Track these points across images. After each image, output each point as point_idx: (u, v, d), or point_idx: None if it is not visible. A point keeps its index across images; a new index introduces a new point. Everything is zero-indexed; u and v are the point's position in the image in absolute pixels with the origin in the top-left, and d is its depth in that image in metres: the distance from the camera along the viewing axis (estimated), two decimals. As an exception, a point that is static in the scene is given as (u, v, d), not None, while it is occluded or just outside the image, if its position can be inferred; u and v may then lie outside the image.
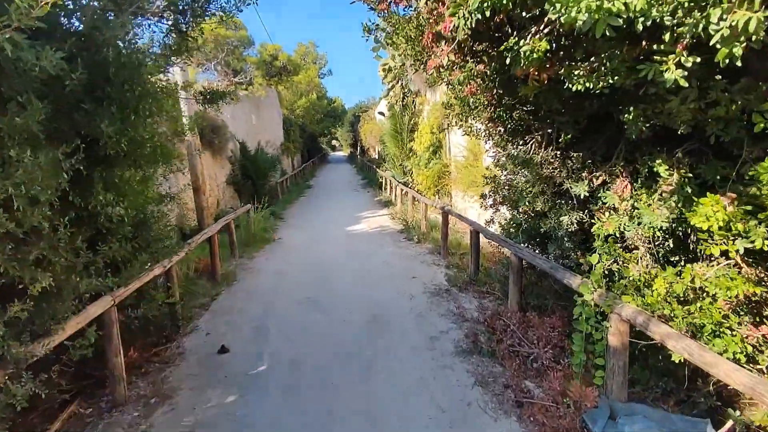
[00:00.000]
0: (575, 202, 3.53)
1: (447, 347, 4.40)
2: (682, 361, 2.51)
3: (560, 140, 3.13)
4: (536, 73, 2.35)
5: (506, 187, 4.57)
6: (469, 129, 4.29)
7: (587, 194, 3.22)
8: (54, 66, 1.82)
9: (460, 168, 11.40)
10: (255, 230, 9.97)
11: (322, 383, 3.88)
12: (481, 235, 6.13)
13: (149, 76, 2.99)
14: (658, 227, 2.64)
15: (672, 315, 2.59)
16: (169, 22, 3.36)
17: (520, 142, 3.87)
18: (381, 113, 21.50)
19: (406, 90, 17.02)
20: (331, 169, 36.59)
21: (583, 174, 3.27)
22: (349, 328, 5.02)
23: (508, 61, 2.23)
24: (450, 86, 3.75)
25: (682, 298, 2.63)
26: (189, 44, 3.61)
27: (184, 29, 3.43)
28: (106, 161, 3.25)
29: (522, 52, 2.10)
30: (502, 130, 3.88)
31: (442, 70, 2.38)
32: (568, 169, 3.38)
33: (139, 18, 2.92)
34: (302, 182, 23.78)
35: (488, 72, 2.58)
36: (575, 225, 3.51)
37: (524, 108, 3.48)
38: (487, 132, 4.14)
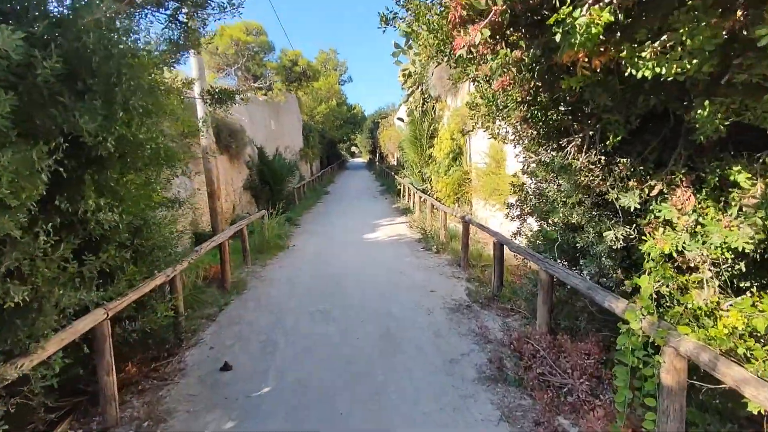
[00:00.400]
0: (620, 214, 3.09)
1: (468, 372, 3.98)
2: (763, 413, 2.06)
3: (606, 143, 2.71)
4: (586, 59, 1.95)
5: (536, 197, 4.14)
6: (496, 132, 3.89)
7: (637, 206, 2.78)
8: (15, 50, 1.52)
9: (481, 175, 10.96)
10: (269, 236, 9.72)
11: (328, 410, 3.51)
12: (505, 247, 5.69)
13: (146, 71, 2.71)
14: (733, 248, 2.20)
15: (749, 355, 2.15)
16: (168, 12, 3.10)
17: (554, 146, 3.46)
18: (400, 119, 21.19)
19: (425, 95, 16.69)
20: (350, 175, 36.44)
21: (631, 183, 2.84)
22: (361, 344, 4.65)
23: (557, 38, 1.83)
24: (476, 83, 3.38)
25: (759, 335, 2.18)
26: (193, 38, 3.33)
27: (185, 20, 3.16)
28: (97, 162, 2.97)
29: (576, 26, 1.71)
30: (534, 132, 3.47)
31: (472, 49, 2.03)
32: (614, 176, 2.95)
33: (134, 5, 2.65)
34: (320, 188, 23.61)
35: (526, 60, 2.21)
36: (621, 242, 3.07)
37: (563, 106, 3.07)
38: (517, 135, 3.73)
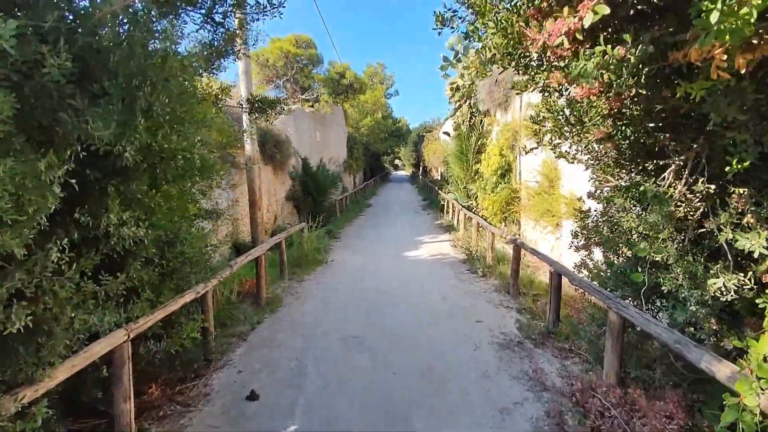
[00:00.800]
0: (729, 257, 2.49)
1: (523, 428, 3.43)
2: None
3: (725, 169, 2.15)
4: (724, 56, 1.45)
5: (607, 226, 3.57)
6: (563, 151, 3.37)
7: (764, 251, 2.18)
8: (8, 42, 1.25)
9: (532, 194, 10.29)
10: (308, 250, 9.50)
11: (360, 461, 3.09)
12: (563, 278, 5.08)
13: (175, 74, 2.45)
14: None
15: None
16: (202, 11, 2.86)
17: (639, 170, 2.90)
18: (446, 133, 20.72)
19: (474, 110, 16.18)
20: (393, 188, 36.21)
21: (749, 219, 2.25)
22: (397, 381, 4.19)
23: (696, 22, 1.36)
24: (546, 92, 2.91)
25: None
26: (232, 41, 3.08)
27: (221, 19, 2.91)
28: (122, 173, 2.74)
29: (725, 8, 1.23)
30: (615, 153, 2.94)
31: (565, 40, 1.58)
32: (728, 211, 2.35)
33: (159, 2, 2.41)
34: (362, 200, 23.46)
35: (632, 59, 1.75)
36: (732, 293, 2.47)
37: (659, 121, 2.53)
38: (594, 154, 3.20)
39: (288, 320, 5.97)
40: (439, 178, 24.72)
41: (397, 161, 61.45)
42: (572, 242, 4.05)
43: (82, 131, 1.82)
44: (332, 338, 5.27)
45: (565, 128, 3.02)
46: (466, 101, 17.02)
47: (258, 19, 3.03)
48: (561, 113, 3.01)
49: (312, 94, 20.18)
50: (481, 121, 15.35)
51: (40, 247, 2.29)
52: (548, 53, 1.95)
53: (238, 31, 3.16)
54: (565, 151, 3.39)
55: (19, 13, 1.63)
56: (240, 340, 5.30)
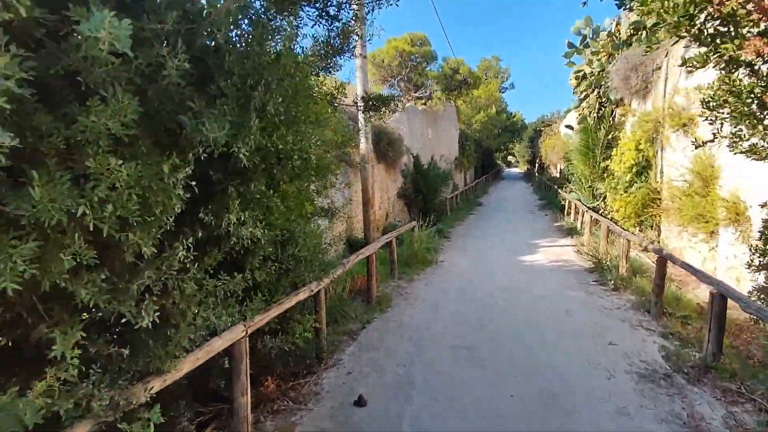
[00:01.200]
0: None
1: (678, 489, 2.77)
2: None
3: None
4: None
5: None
6: (752, 145, 2.59)
7: None
8: (122, 42, 1.20)
9: (678, 195, 8.75)
10: (417, 249, 9.33)
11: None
12: (729, 301, 4.11)
13: (291, 73, 2.38)
14: None
15: None
16: (317, 5, 2.77)
17: None
18: (569, 127, 18.98)
19: (603, 99, 14.49)
20: (505, 186, 34.56)
21: None
22: (514, 405, 3.75)
23: None
24: (730, 67, 2.23)
25: None
26: (347, 36, 2.96)
27: (335, 12, 2.80)
28: (241, 174, 2.78)
29: None
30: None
31: None
32: None
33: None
34: (473, 199, 22.71)
35: None
36: None
37: None
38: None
39: (397, 322, 5.84)
40: (559, 176, 22.81)
41: (510, 158, 58.71)
42: (750, 259, 3.19)
43: (199, 133, 1.79)
44: (442, 346, 4.98)
45: (757, 114, 2.29)
46: (594, 90, 15.35)
47: (373, 9, 2.88)
48: (750, 94, 2.29)
49: (425, 92, 20.06)
50: (612, 111, 13.66)
51: (168, 246, 2.39)
52: (750, 9, 1.40)
53: (353, 25, 3.04)
54: (756, 145, 2.59)
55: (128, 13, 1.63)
56: (350, 338, 5.30)
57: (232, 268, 3.13)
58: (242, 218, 2.86)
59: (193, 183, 2.12)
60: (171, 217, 2.21)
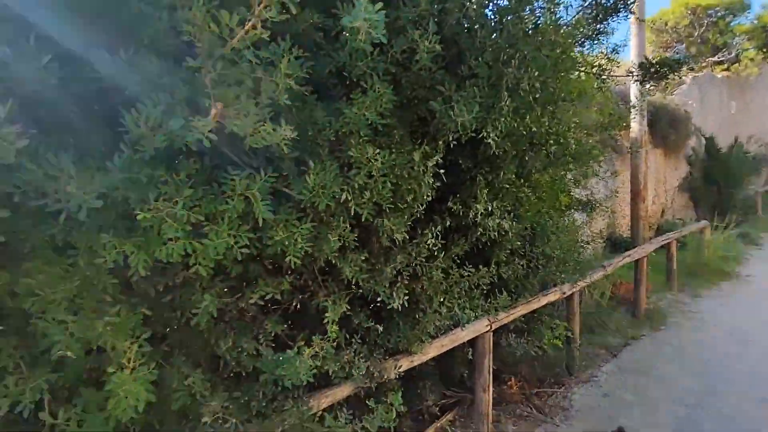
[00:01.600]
0: None
1: None
2: None
3: None
4: None
5: None
6: None
7: None
8: (377, 30, 1.22)
9: None
10: (708, 257, 7.29)
11: None
12: None
13: (548, 43, 2.06)
14: None
15: None
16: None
17: None
18: None
19: None
20: None
21: None
22: None
23: None
24: None
25: None
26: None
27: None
28: (490, 161, 2.63)
29: None
30: None
31: None
32: None
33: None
34: (805, 193, 16.36)
35: None
36: None
37: None
38: None
39: (675, 346, 4.66)
40: None
41: None
42: None
43: (447, 119, 1.71)
44: (747, 396, 3.67)
45: None
46: None
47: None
48: None
49: (727, 53, 15.51)
50: None
51: (418, 233, 2.46)
52: None
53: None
54: None
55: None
56: (608, 354, 4.54)
57: (478, 260, 3.03)
58: (490, 208, 2.72)
59: (442, 171, 2.08)
60: (421, 204, 2.24)
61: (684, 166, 11.55)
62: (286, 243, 1.58)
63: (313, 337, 1.89)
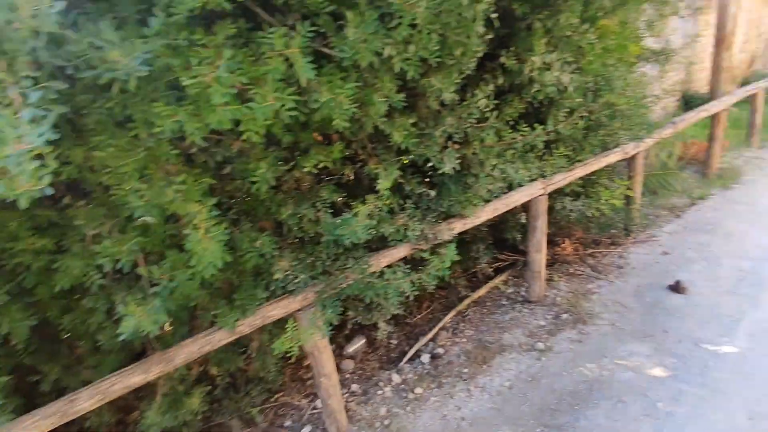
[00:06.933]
0: None
1: None
2: None
3: None
4: None
5: None
6: None
7: None
8: None
9: None
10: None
11: None
12: None
13: None
14: None
15: None
16: None
17: None
18: None
19: None
20: None
21: None
22: None
23: None
24: None
25: None
26: None
27: None
28: (550, 5, 2.32)
29: None
30: None
31: None
32: None
33: None
34: None
35: None
36: None
37: None
38: None
39: (747, 202, 4.41)
40: None
41: None
42: None
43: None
44: (824, 247, 3.49)
45: None
46: None
47: None
48: None
49: None
50: None
51: (470, 94, 2.33)
52: None
53: None
54: None
55: None
56: (672, 214, 4.40)
57: (534, 119, 2.87)
58: (547, 61, 2.47)
59: (495, 16, 1.86)
60: (471, 59, 2.07)
61: (788, 1, 9.65)
62: (332, 105, 1.54)
63: (367, 197, 1.95)
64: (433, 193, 2.38)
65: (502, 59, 2.44)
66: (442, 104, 2.22)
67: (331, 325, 2.07)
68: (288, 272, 1.96)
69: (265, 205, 1.99)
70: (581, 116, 3.04)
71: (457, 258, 2.20)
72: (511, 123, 2.66)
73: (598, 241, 4.00)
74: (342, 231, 1.81)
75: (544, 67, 2.51)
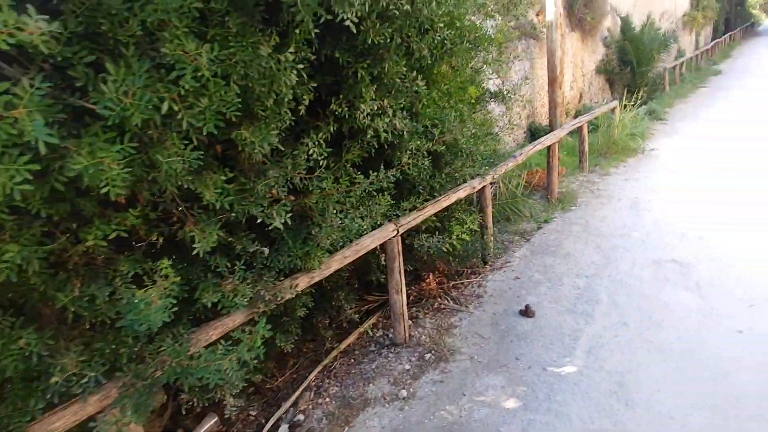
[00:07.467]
0: None
1: None
2: None
3: None
4: None
5: None
6: None
7: None
8: None
9: None
10: (618, 136, 7.65)
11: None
12: None
13: None
14: None
15: None
16: None
17: None
18: None
19: None
20: (762, 44, 25.43)
21: None
22: (742, 345, 2.80)
23: None
24: None
25: None
26: None
27: None
28: (371, 53, 2.33)
29: None
30: None
31: None
32: None
33: None
34: (706, 67, 17.44)
35: None
36: None
37: None
38: None
39: (581, 224, 4.98)
40: None
41: (776, 2, 42.25)
42: None
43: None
44: (640, 259, 4.02)
45: None
46: None
47: None
48: None
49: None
50: None
51: (293, 144, 2.21)
52: None
53: None
54: None
55: None
56: (523, 239, 4.77)
57: (380, 162, 2.86)
58: (378, 107, 2.48)
59: (301, 66, 1.78)
60: (290, 110, 1.96)
61: (601, 49, 11.64)
62: (93, 172, 1.28)
63: (157, 276, 1.67)
64: (267, 250, 2.18)
65: (333, 106, 2.38)
66: (267, 156, 2.06)
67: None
68: (72, 371, 1.58)
69: (39, 290, 1.60)
70: (425, 157, 3.13)
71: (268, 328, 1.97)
72: (356, 167, 2.61)
73: (461, 272, 4.14)
74: (133, 317, 1.51)
75: (376, 113, 2.51)
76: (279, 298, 2.23)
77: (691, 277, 3.63)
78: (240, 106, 1.63)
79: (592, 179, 6.46)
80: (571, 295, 3.62)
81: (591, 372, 2.74)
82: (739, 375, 2.59)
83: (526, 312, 3.42)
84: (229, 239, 2.11)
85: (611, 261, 4.05)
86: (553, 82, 8.35)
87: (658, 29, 13.06)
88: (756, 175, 5.76)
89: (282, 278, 2.33)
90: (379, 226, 2.90)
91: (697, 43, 20.33)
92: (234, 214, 1.97)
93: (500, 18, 4.38)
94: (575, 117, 9.17)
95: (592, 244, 4.43)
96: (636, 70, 11.66)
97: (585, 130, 6.69)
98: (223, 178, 1.85)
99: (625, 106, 8.48)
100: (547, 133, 6.45)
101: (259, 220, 2.06)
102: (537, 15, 8.63)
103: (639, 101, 9.21)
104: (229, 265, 2.08)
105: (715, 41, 21.64)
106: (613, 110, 7.96)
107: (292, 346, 2.80)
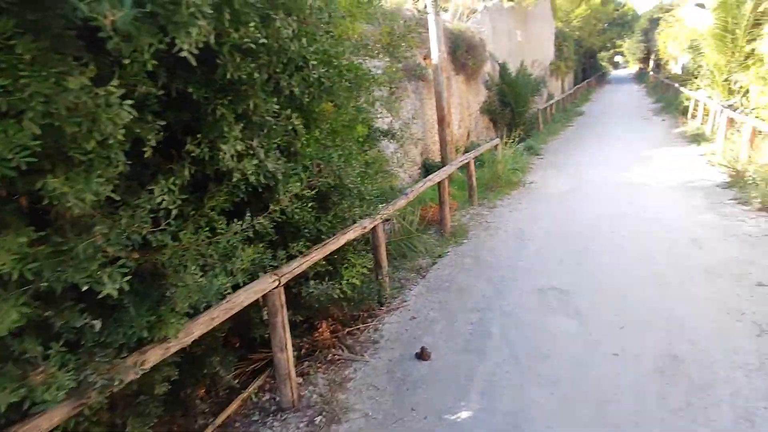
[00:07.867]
0: None
1: None
2: None
3: None
4: None
5: None
6: None
7: None
8: None
9: None
10: (502, 171, 8.22)
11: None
12: None
13: None
14: None
15: None
16: None
17: None
18: (699, 5, 15.16)
19: (753, -39, 11.03)
20: (612, 90, 30.06)
21: None
22: (619, 368, 2.94)
23: None
24: None
25: None
26: None
27: None
28: (233, 90, 2.10)
29: None
30: None
31: None
32: None
33: None
34: (571, 108, 20.00)
35: None
36: None
37: None
38: None
39: (473, 257, 5.10)
40: (681, 72, 18.92)
41: (618, 57, 50.80)
42: None
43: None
44: (527, 288, 4.18)
45: None
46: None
47: None
48: None
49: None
50: (769, -25, 10.34)
51: (137, 193, 1.86)
52: None
53: None
54: None
55: None
56: (419, 276, 4.73)
57: (257, 206, 2.59)
58: (245, 148, 2.23)
59: (142, 104, 1.48)
60: (119, 151, 1.63)
61: (483, 91, 12.70)
62: None
63: None
64: (98, 323, 1.76)
65: (190, 147, 2.08)
66: (96, 208, 1.68)
67: None
68: None
69: None
70: (308, 199, 2.93)
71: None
72: (226, 214, 2.30)
73: (356, 317, 3.93)
74: None
75: (244, 154, 2.25)
76: (117, 382, 1.80)
77: (570, 304, 3.82)
78: (41, 150, 1.29)
79: (481, 212, 6.78)
80: (465, 331, 3.59)
81: (485, 416, 2.65)
82: (618, 398, 2.69)
83: (422, 355, 3.30)
84: (46, 314, 1.67)
85: (501, 292, 4.15)
86: (441, 121, 8.81)
87: (530, 75, 14.69)
88: (624, 198, 6.48)
89: (125, 354, 1.91)
90: (257, 277, 2.59)
91: (563, 87, 23.35)
92: (45, 284, 1.55)
93: (387, 59, 4.42)
94: (465, 153, 9.76)
95: (483, 277, 4.53)
96: (514, 110, 12.88)
97: (472, 166, 7.06)
98: (24, 239, 1.44)
99: (507, 143, 9.22)
100: (439, 169, 6.68)
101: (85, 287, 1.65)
102: (425, 59, 9.13)
103: (518, 138, 10.10)
104: (42, 348, 1.62)
105: (578, 86, 25.07)
106: (496, 147, 8.57)
107: (152, 430, 2.32)
